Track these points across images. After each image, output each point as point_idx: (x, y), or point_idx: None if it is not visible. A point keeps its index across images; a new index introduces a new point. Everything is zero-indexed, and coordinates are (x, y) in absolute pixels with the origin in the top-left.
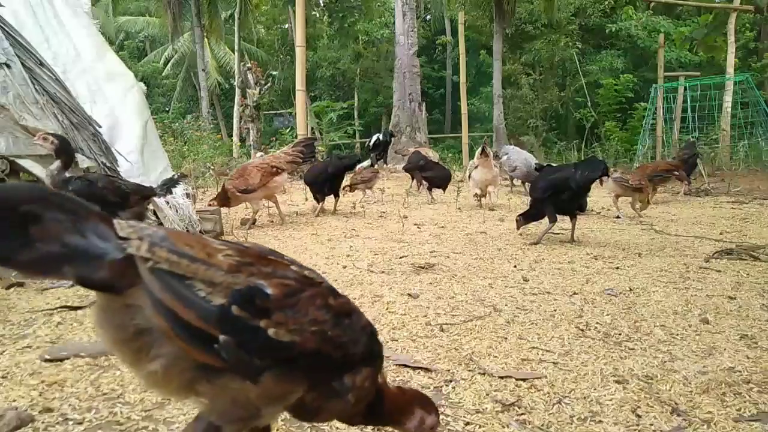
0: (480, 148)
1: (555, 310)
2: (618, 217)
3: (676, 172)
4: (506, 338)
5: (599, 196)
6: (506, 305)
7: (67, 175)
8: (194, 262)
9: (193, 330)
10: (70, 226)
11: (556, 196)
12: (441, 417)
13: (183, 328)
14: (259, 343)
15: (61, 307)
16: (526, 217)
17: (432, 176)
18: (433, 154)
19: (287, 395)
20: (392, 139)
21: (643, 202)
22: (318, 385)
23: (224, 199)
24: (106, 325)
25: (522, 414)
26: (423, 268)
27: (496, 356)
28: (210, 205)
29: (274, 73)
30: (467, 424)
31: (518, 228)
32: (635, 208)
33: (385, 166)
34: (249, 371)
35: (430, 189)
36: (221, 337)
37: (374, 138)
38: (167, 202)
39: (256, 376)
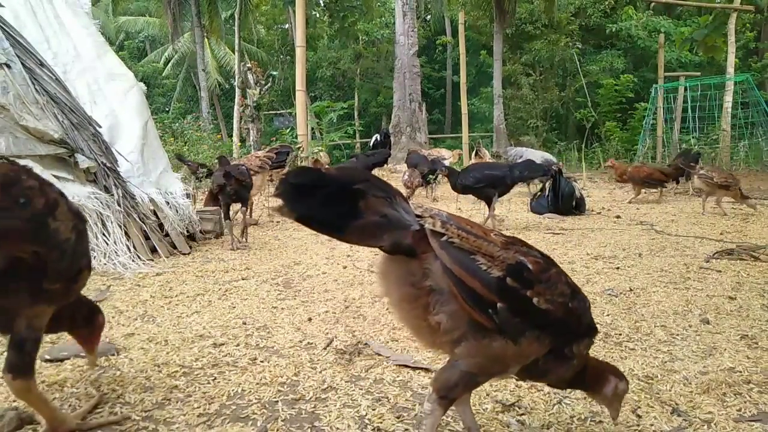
0: (475, 150)
1: None
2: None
3: (666, 185)
4: None
5: (599, 196)
6: None
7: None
8: (477, 238)
9: (476, 295)
10: (386, 201)
11: (485, 188)
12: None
13: (468, 293)
14: (526, 310)
15: None
16: (450, 175)
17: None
18: (447, 155)
19: (532, 356)
20: (388, 139)
21: (736, 198)
22: (555, 350)
23: (212, 199)
24: (398, 284)
25: (522, 414)
26: None
27: None
28: (205, 205)
29: (274, 73)
30: None
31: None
32: (719, 205)
33: (385, 165)
34: (514, 333)
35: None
36: (499, 304)
37: (374, 138)
38: (167, 203)
39: (518, 338)
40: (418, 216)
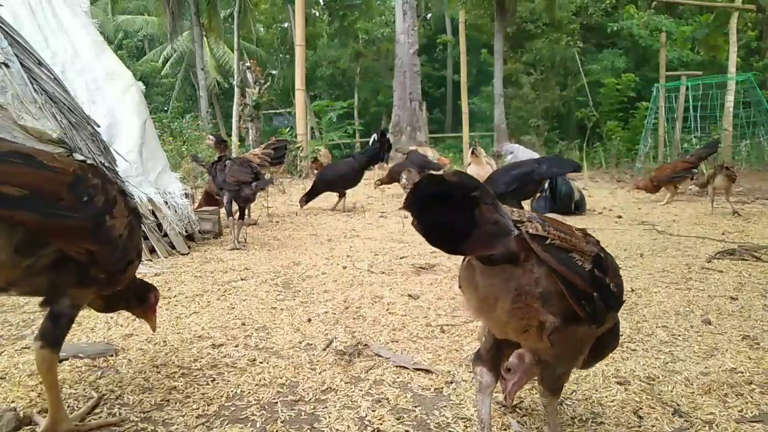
0: (471, 149)
1: None
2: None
3: (695, 170)
4: None
5: (601, 196)
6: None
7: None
8: (571, 236)
9: (577, 290)
10: (494, 207)
11: (520, 189)
12: (442, 419)
13: (572, 290)
14: (608, 295)
15: None
16: None
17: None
18: (432, 154)
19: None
20: (383, 138)
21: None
22: (614, 324)
23: (208, 200)
24: (506, 294)
25: (523, 415)
26: (423, 268)
27: None
28: (200, 206)
29: (274, 72)
30: (468, 425)
31: None
32: (729, 201)
33: (385, 165)
34: (600, 318)
35: None
36: (595, 294)
37: (372, 137)
38: (166, 202)
39: (602, 321)
40: (515, 221)
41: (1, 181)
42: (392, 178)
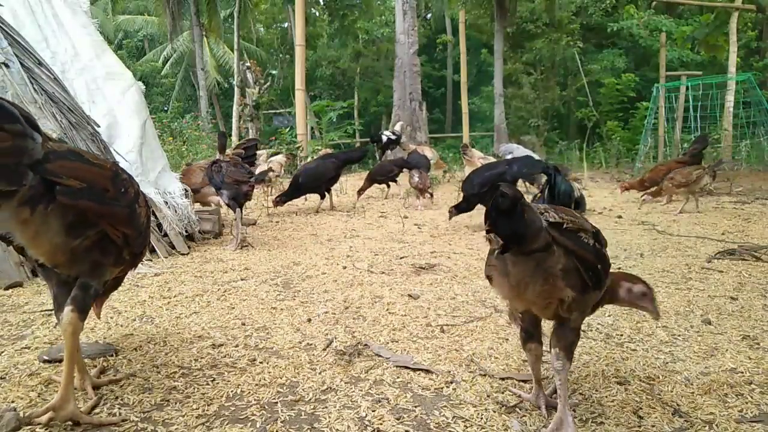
0: (461, 152)
1: None
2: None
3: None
4: (507, 339)
5: (601, 196)
6: (507, 306)
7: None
8: (577, 218)
9: (588, 265)
10: (530, 209)
11: (492, 190)
12: (442, 419)
13: (584, 265)
14: (606, 264)
15: None
16: (458, 209)
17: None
18: (431, 154)
19: None
20: (376, 141)
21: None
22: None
23: (202, 199)
24: (536, 277)
25: (523, 416)
26: (423, 268)
27: (497, 357)
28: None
29: (274, 72)
30: (468, 425)
31: (450, 218)
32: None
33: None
34: (601, 284)
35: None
36: (599, 266)
37: (385, 138)
38: (166, 202)
39: (603, 286)
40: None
41: (65, 175)
42: (372, 181)
